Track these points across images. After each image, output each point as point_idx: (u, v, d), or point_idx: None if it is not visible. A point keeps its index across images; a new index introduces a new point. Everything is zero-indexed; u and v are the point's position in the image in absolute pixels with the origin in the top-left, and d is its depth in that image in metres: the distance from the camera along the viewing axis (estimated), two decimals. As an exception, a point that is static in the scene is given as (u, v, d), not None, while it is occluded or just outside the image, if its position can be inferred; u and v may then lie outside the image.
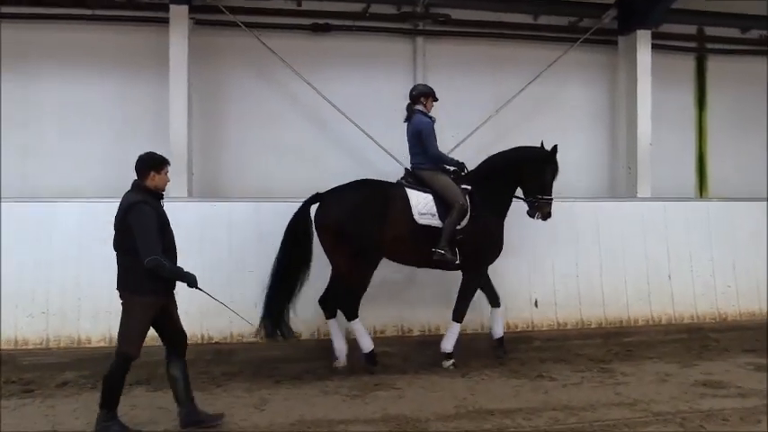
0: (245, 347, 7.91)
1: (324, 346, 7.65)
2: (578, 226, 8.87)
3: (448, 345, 7.38)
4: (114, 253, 5.34)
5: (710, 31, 10.57)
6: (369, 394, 6.42)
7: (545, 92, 9.81)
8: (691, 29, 10.51)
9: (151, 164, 5.33)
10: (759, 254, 9.45)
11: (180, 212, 7.04)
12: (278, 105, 9.33)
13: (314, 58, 9.35)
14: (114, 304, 7.65)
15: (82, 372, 7.07)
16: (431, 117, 7.39)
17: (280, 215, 7.27)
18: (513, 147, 7.58)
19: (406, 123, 7.49)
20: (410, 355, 7.88)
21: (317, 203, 7.23)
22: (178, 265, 5.34)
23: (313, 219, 7.17)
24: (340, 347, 7.25)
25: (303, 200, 7.09)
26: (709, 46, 10.57)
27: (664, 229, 9.17)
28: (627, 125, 9.72)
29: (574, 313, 8.78)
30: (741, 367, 7.40)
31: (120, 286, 5.28)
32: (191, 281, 5.27)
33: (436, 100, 7.56)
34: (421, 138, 7.25)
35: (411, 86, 9.38)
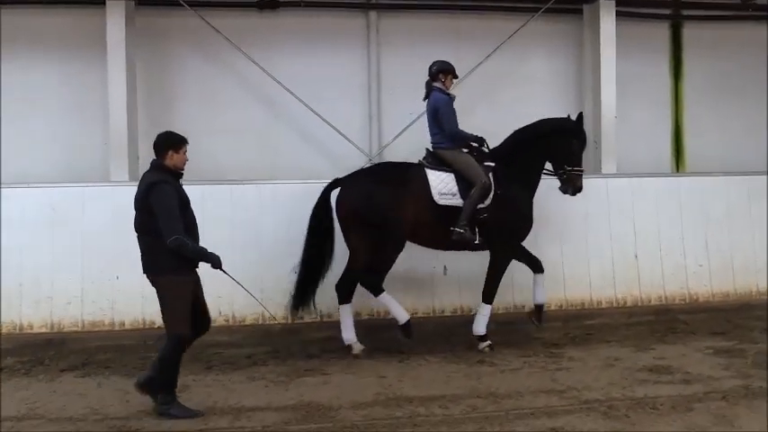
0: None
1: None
2: (539, 204, 8.46)
3: (480, 328, 7.22)
4: (136, 234, 5.27)
5: (686, -4, 10.05)
6: (294, 380, 6.21)
7: (508, 64, 9.42)
8: (666, -5, 10.01)
9: (169, 143, 5.27)
10: (733, 231, 8.97)
11: (120, 197, 6.93)
12: (226, 86, 9.10)
13: (263, 37, 9.08)
14: (57, 289, 7.94)
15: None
16: (449, 94, 7.21)
17: (227, 198, 7.09)
18: (538, 119, 7.39)
19: (425, 101, 7.35)
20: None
21: (338, 189, 7.19)
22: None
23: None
24: (348, 337, 7.12)
25: (254, 182, 6.94)
26: (685, 12, 10.02)
27: (630, 207, 8.73)
28: (593, 98, 9.24)
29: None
30: (699, 351, 7.00)
31: (147, 269, 5.23)
32: (215, 261, 5.18)
33: (456, 77, 7.39)
34: (438, 116, 7.09)
35: (365, 62, 9.27)
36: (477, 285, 7.43)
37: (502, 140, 7.32)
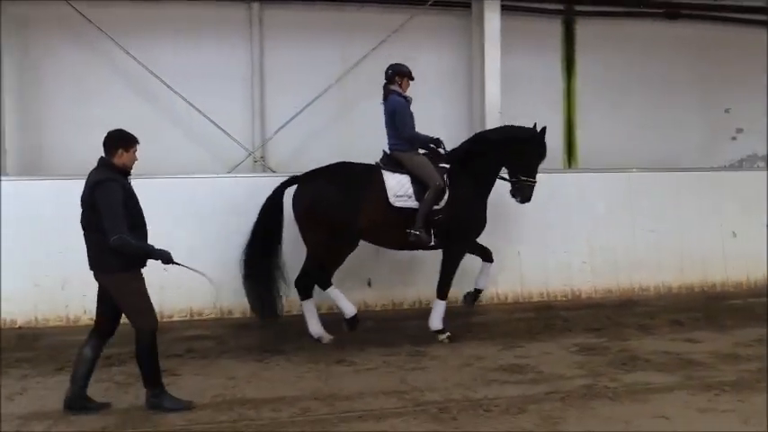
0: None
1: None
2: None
3: (436, 322, 7.34)
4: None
5: (579, -8, 10.03)
6: (138, 383, 5.93)
7: (396, 58, 9.18)
8: (559, -10, 9.96)
9: (119, 141, 5.18)
10: (617, 228, 8.99)
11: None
12: (104, 79, 8.82)
13: (143, 29, 8.81)
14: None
15: None
16: (406, 97, 7.27)
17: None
18: (501, 125, 7.53)
19: (382, 104, 7.35)
20: (226, 338, 7.49)
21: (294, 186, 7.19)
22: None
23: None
24: (315, 330, 7.20)
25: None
26: (578, 8, 10.01)
27: (514, 203, 8.67)
28: (480, 94, 9.16)
29: (411, 293, 8.32)
30: (565, 349, 6.96)
31: (94, 266, 5.15)
32: (164, 257, 5.12)
33: (412, 79, 7.43)
34: (395, 119, 7.14)
35: (247, 56, 9.07)
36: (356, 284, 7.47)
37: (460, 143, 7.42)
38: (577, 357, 6.71)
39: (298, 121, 8.81)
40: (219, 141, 8.77)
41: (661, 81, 10.29)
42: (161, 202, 7.49)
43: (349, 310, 7.14)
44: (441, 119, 9.48)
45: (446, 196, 7.04)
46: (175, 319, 7.85)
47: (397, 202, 7.02)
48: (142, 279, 5.18)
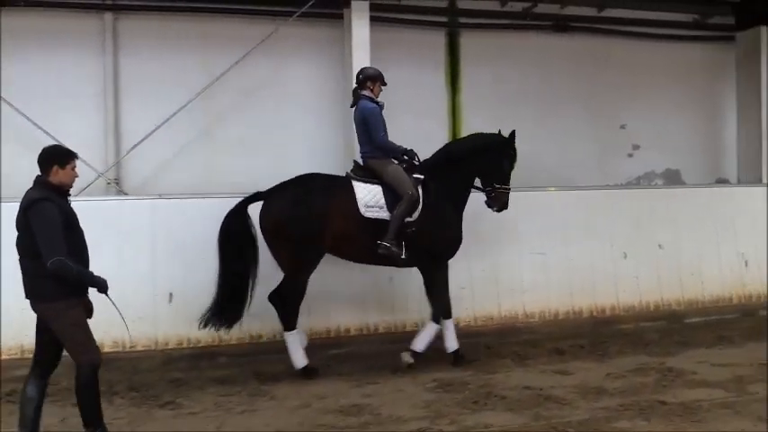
0: None
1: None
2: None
3: (452, 343, 7.17)
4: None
5: (464, 4, 9.58)
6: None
7: (266, 70, 8.76)
8: (442, 1, 9.51)
9: (54, 157, 4.77)
10: (500, 251, 8.47)
11: None
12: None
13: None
14: None
15: None
16: (378, 102, 6.97)
17: None
18: (471, 134, 7.33)
19: (352, 109, 7.11)
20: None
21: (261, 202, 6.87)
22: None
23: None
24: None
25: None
26: (462, 20, 9.58)
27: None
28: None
29: (270, 325, 7.65)
30: (421, 385, 6.45)
31: (30, 295, 4.75)
32: (101, 285, 4.77)
33: (384, 84, 7.12)
34: (367, 125, 6.85)
35: (100, 69, 8.43)
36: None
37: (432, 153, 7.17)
38: (429, 396, 6.18)
39: (159, 138, 8.13)
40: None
41: (552, 96, 9.89)
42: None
43: (299, 361, 6.76)
44: (313, 132, 8.98)
45: (419, 208, 6.79)
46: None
47: (367, 212, 6.74)
48: (81, 308, 4.79)
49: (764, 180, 10.13)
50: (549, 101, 9.88)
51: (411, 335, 7.96)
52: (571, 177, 9.75)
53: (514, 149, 7.22)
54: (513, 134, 7.18)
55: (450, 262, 7.81)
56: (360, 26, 8.32)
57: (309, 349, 7.49)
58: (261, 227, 6.80)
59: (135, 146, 8.09)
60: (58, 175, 4.75)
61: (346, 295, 7.88)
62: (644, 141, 10.50)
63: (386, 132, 6.90)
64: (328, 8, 8.73)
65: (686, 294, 9.21)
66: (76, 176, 4.92)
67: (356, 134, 7.08)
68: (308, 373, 6.74)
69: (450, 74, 9.57)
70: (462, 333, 8.09)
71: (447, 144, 7.36)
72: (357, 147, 8.28)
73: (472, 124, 9.53)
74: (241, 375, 6.86)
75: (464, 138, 7.31)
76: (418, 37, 9.37)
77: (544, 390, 6.22)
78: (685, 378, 6.55)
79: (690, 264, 9.26)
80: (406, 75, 9.23)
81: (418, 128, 9.22)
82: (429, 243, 6.90)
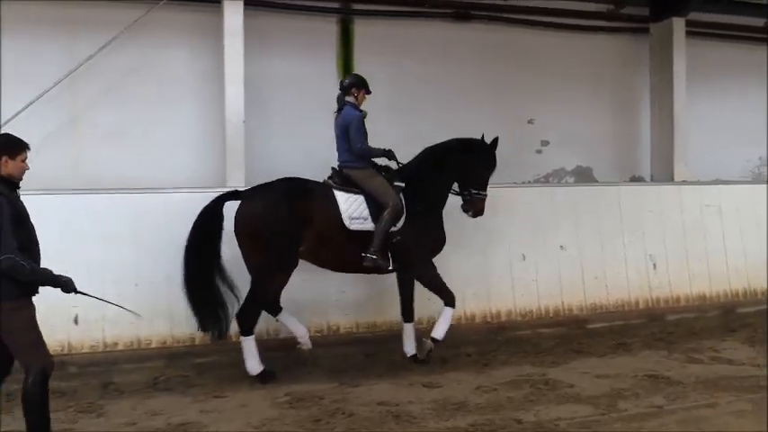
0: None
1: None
2: (144, 223, 7.20)
3: (440, 332, 7.07)
4: None
5: (358, -11, 9.02)
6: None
7: (137, 56, 8.13)
8: (334, -14, 8.95)
9: (3, 148, 4.53)
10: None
11: None
12: None
13: None
14: None
15: None
16: (361, 110, 6.91)
17: None
18: (451, 138, 7.26)
19: (335, 115, 7.04)
20: None
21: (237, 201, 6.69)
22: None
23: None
24: (301, 333, 6.90)
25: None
26: (355, 7, 9.01)
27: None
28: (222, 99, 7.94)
29: (128, 331, 7.05)
30: (271, 399, 5.98)
31: None
32: (66, 285, 4.54)
33: (369, 92, 7.08)
34: (348, 133, 6.78)
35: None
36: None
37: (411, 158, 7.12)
38: (272, 412, 5.72)
39: (14, 129, 7.48)
40: None
41: (455, 89, 9.35)
42: None
43: (253, 368, 6.54)
44: (190, 129, 8.39)
45: (403, 217, 6.79)
46: None
47: (352, 224, 6.68)
48: (33, 309, 4.54)
49: (675, 178, 9.74)
50: (451, 94, 9.34)
51: (285, 342, 7.55)
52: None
53: (494, 156, 7.21)
54: (495, 141, 7.21)
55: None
56: (232, 12, 7.72)
57: (170, 358, 7.07)
58: (236, 230, 6.56)
59: (-10, 135, 7.43)
60: (7, 167, 4.50)
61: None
62: (553, 137, 10.02)
63: (366, 140, 6.83)
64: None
65: (589, 299, 8.77)
66: (27, 169, 4.65)
67: (336, 141, 6.94)
68: (265, 378, 6.51)
69: (343, 64, 8.99)
70: (343, 340, 7.73)
71: (425, 148, 7.24)
72: (232, 136, 7.86)
73: (367, 117, 9.04)
74: (85, 388, 6.31)
75: (442, 142, 7.21)
76: (309, 24, 8.79)
77: (400, 406, 5.79)
78: (559, 392, 6.13)
79: (594, 266, 8.82)
80: (296, 64, 8.71)
81: (308, 120, 8.70)
82: (413, 249, 6.88)
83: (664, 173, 9.95)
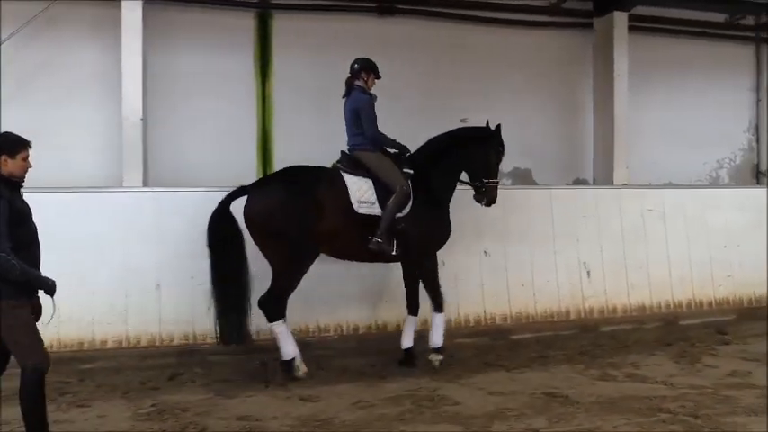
0: None
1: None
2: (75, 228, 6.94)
3: (437, 339, 7.07)
4: None
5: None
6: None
7: (41, 52, 7.92)
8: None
9: (4, 147, 4.47)
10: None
11: None
12: None
13: None
14: None
15: None
16: (371, 94, 6.89)
17: None
18: (457, 127, 7.33)
19: (343, 99, 6.97)
20: None
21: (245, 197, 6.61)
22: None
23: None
24: (288, 351, 6.60)
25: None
26: (274, 1, 8.68)
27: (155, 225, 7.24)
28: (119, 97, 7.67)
29: (87, 330, 6.93)
30: (133, 411, 5.68)
31: None
32: (49, 287, 4.53)
33: (378, 77, 7.05)
34: (359, 117, 6.75)
35: None
36: None
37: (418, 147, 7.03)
38: (124, 424, 5.40)
39: None
40: None
41: (381, 85, 8.83)
42: None
43: (289, 352, 6.57)
44: (88, 125, 8.12)
45: (410, 203, 6.72)
46: None
47: (360, 208, 6.62)
48: (28, 308, 4.53)
49: (615, 181, 9.24)
50: (377, 90, 8.94)
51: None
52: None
53: (502, 143, 7.18)
54: (498, 127, 7.15)
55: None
56: (130, 8, 7.43)
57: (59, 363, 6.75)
58: (247, 224, 6.51)
59: None
60: (7, 166, 4.45)
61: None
62: (491, 137, 9.53)
63: (377, 124, 6.80)
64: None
65: (514, 308, 8.34)
66: (29, 167, 4.59)
67: (345, 125, 6.88)
68: (287, 368, 6.56)
69: (261, 60, 8.66)
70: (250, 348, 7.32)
71: (432, 137, 7.18)
72: (129, 134, 7.56)
73: (285, 116, 8.71)
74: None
75: (449, 131, 7.18)
76: (223, 19, 8.49)
77: (261, 421, 5.50)
78: (438, 410, 5.74)
79: (520, 273, 8.39)
80: (210, 60, 8.45)
81: (224, 117, 8.41)
82: (419, 237, 6.82)
83: (607, 176, 9.47)
